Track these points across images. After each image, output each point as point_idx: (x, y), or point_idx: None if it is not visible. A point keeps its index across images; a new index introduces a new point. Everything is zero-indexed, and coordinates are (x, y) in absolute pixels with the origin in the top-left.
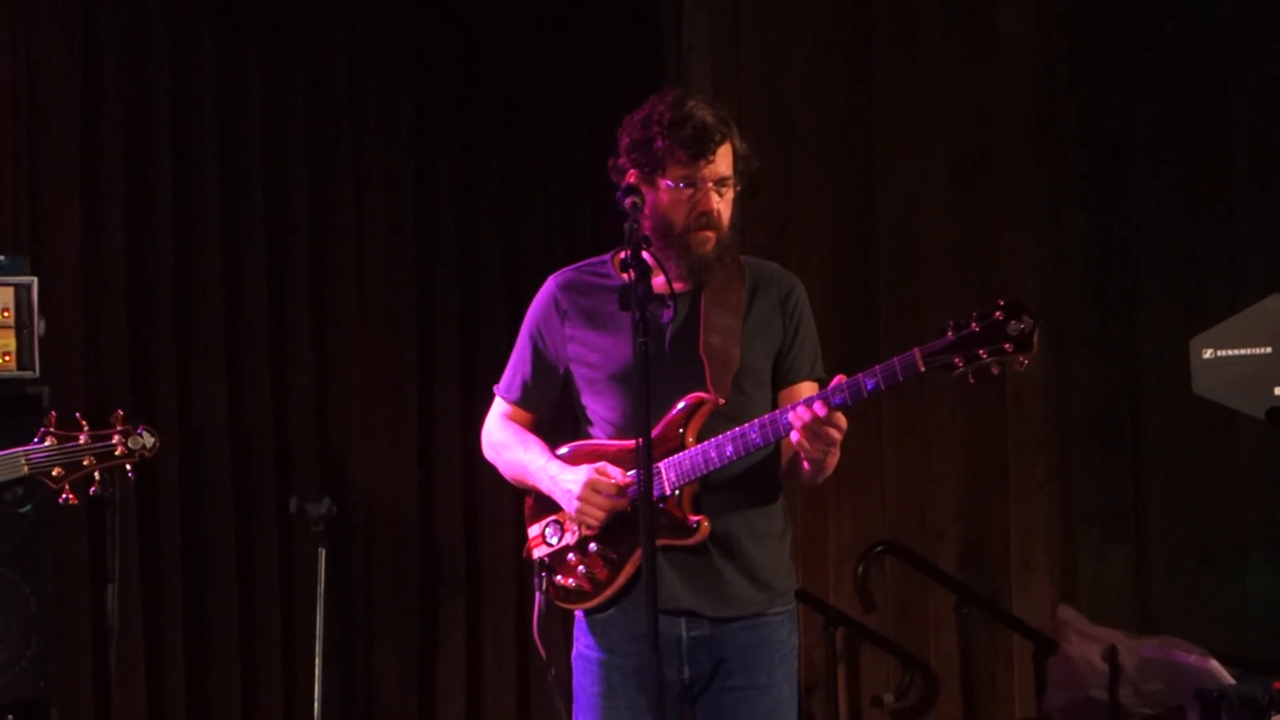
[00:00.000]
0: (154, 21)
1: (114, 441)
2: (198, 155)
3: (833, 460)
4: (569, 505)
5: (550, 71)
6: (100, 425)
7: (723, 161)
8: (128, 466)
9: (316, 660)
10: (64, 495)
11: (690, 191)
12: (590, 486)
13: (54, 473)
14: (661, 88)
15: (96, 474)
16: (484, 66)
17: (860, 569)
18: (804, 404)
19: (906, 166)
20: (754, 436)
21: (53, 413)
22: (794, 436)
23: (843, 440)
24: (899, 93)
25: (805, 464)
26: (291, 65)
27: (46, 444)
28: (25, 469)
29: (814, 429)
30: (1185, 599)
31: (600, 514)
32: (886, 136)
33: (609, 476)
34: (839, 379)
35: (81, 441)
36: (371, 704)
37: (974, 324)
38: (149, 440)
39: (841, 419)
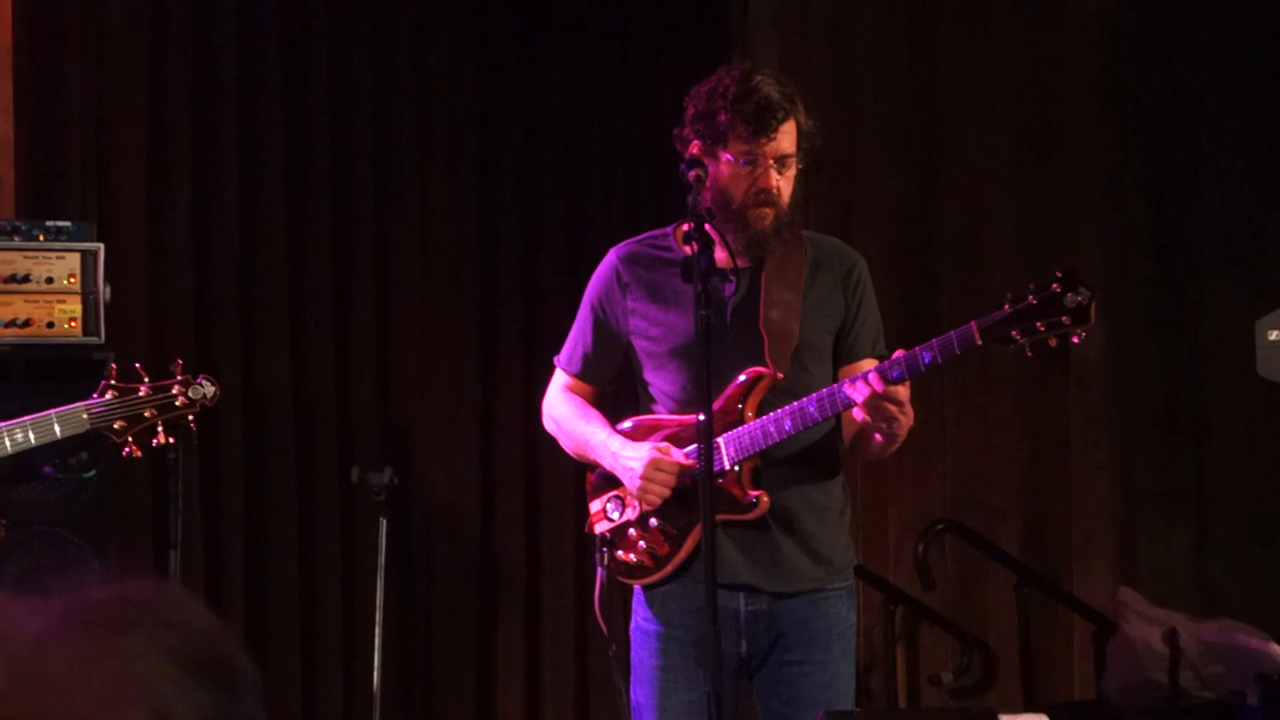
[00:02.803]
0: None
1: (174, 392)
2: (263, 122)
3: (903, 431)
4: (631, 483)
5: (615, 44)
6: (161, 377)
7: (785, 139)
8: (189, 417)
9: (376, 630)
10: (127, 449)
11: (750, 168)
12: (653, 465)
13: (115, 426)
14: (725, 62)
15: (159, 426)
16: (549, 39)
17: (920, 547)
18: (861, 378)
19: (971, 144)
20: (812, 411)
21: (112, 365)
22: (857, 414)
23: (911, 412)
24: (964, 69)
25: (877, 435)
26: (357, 31)
27: (107, 397)
28: (87, 423)
29: (871, 403)
30: (1247, 582)
31: (665, 491)
32: (951, 113)
33: (670, 454)
34: (898, 353)
35: (142, 394)
36: (430, 674)
37: (1030, 296)
38: (209, 390)
39: (900, 392)
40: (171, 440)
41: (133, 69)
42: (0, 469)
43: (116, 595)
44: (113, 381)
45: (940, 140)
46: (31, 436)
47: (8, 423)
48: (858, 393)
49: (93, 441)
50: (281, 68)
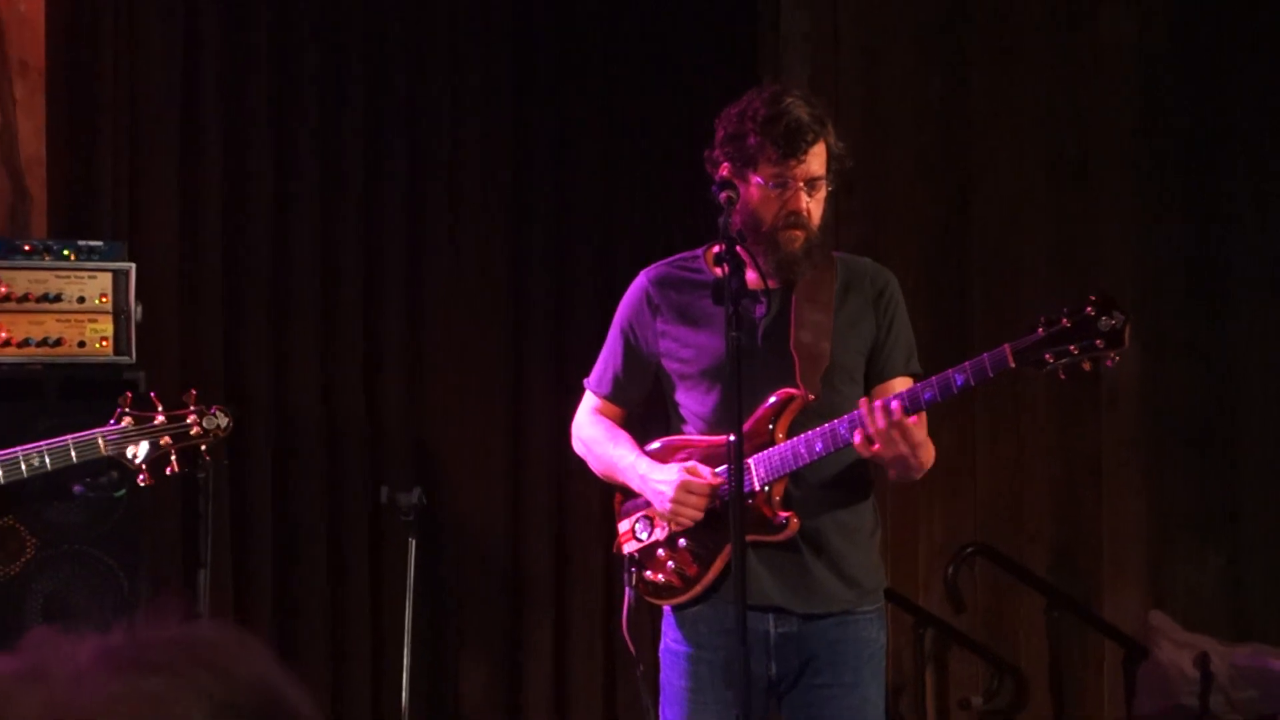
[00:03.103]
0: (254, 5)
1: (189, 421)
2: (295, 143)
3: (918, 464)
4: (661, 505)
5: (647, 64)
6: (175, 405)
7: (815, 161)
8: (202, 447)
9: (405, 650)
10: (141, 476)
11: (779, 191)
12: (683, 488)
13: (130, 453)
14: (756, 83)
15: (173, 455)
16: (582, 60)
17: (951, 570)
18: (880, 405)
19: (1003, 167)
20: (843, 432)
21: (128, 393)
22: (856, 438)
23: (934, 441)
24: (997, 92)
25: (890, 470)
26: (391, 52)
27: (123, 424)
28: (103, 450)
29: (882, 433)
30: (1279, 606)
31: (696, 514)
32: (983, 136)
33: (700, 476)
34: (923, 384)
35: (157, 422)
36: (458, 694)
37: (1065, 319)
38: (223, 420)
39: (914, 432)
40: (186, 469)
41: (165, 89)
42: (31, 488)
43: (165, 637)
44: (128, 409)
45: (972, 163)
46: (48, 461)
47: (25, 448)
48: (864, 419)
49: (106, 458)
50: (315, 90)
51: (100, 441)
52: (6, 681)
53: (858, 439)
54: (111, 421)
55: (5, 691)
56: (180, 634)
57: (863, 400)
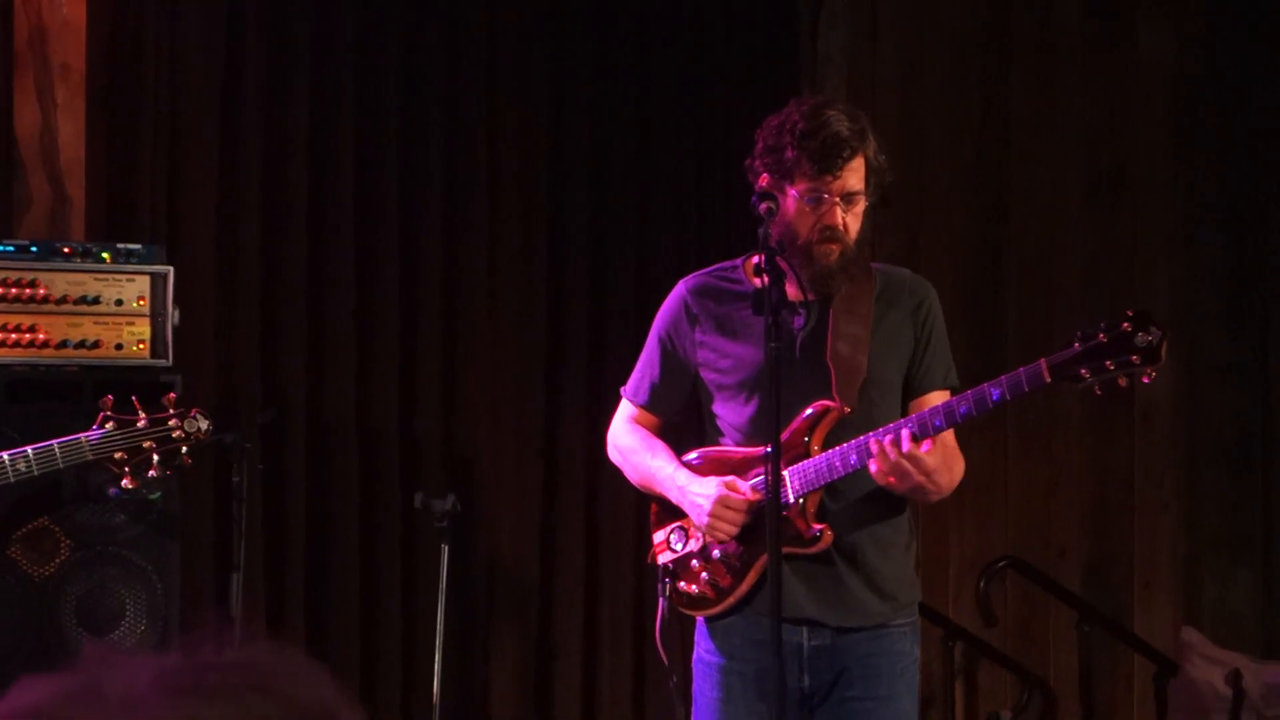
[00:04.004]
0: (295, 13)
1: (170, 425)
2: (334, 150)
3: (935, 488)
4: (699, 519)
5: (686, 80)
6: (156, 409)
7: (852, 176)
8: (183, 450)
9: (436, 656)
10: (126, 479)
11: (815, 204)
12: (721, 502)
13: (116, 456)
14: (794, 95)
15: (155, 457)
16: (620, 75)
17: (982, 584)
18: (890, 439)
19: (1041, 181)
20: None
21: (109, 397)
22: (872, 467)
23: (966, 455)
24: (1035, 107)
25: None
26: (429, 65)
27: (107, 428)
28: (89, 454)
29: (894, 465)
30: None
31: (732, 529)
32: (1021, 151)
33: (738, 492)
34: (959, 398)
35: (140, 426)
36: (487, 701)
37: (1101, 335)
38: (203, 424)
39: (925, 461)
40: (168, 472)
41: (206, 94)
42: (65, 490)
43: (225, 661)
44: (110, 413)
45: (1009, 178)
46: (34, 465)
47: (10, 452)
48: (872, 459)
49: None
50: (354, 99)
51: (85, 445)
52: (61, 702)
53: (874, 468)
54: (95, 426)
55: (59, 713)
56: (240, 658)
57: (873, 439)
